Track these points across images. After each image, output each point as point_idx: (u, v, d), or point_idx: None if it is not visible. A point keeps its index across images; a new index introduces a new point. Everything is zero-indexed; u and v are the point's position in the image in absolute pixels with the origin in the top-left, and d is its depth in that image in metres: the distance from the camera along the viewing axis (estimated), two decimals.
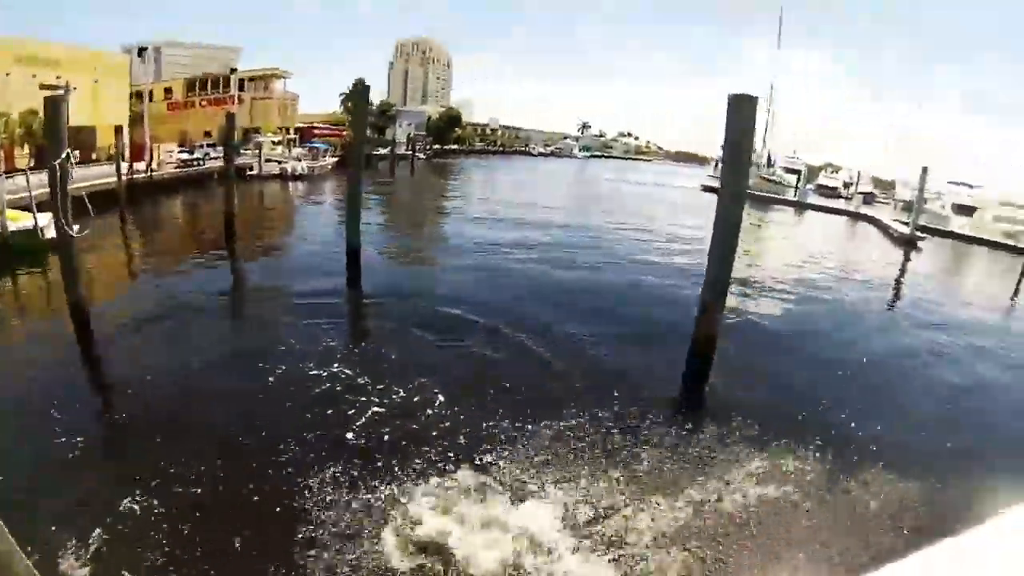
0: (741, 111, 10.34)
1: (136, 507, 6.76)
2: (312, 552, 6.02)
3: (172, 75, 79.94)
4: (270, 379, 10.16)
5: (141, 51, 68.99)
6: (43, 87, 41.94)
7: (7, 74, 42.98)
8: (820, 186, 69.77)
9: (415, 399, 9.28)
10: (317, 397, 9.54)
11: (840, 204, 50.81)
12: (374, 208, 35.52)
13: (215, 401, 9.68)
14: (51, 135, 11.94)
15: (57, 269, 14.86)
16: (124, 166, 35.73)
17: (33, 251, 17.43)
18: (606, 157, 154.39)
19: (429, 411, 8.96)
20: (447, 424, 8.59)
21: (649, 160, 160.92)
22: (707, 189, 57.66)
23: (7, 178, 25.07)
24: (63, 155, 11.57)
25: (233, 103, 65.44)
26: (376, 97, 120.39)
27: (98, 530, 6.29)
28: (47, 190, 16.51)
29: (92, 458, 7.93)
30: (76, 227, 19.89)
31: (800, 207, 49.49)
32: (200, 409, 9.38)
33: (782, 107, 73.27)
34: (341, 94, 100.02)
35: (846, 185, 69.54)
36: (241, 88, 72.14)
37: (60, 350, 11.74)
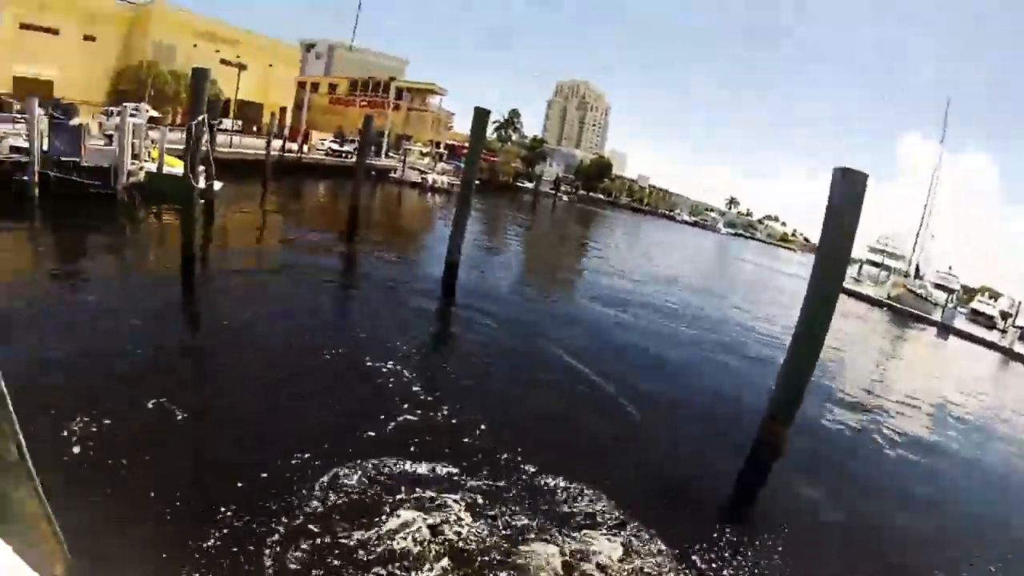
0: (845, 188, 8.59)
1: (153, 411, 7.05)
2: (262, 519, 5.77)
3: (340, 72, 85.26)
4: (327, 355, 9.87)
5: (310, 47, 73.98)
6: (223, 62, 46.71)
7: (194, 45, 47.48)
8: (973, 311, 59.40)
9: (454, 422, 8.62)
10: (364, 386, 9.09)
11: (993, 336, 42.87)
12: (505, 235, 35.56)
13: (270, 357, 9.70)
14: (193, 100, 12.99)
15: (197, 212, 16.43)
16: (279, 143, 38.52)
17: (182, 195, 18.69)
18: (749, 238, 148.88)
19: (465, 439, 8.19)
20: (474, 458, 7.72)
21: (792, 249, 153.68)
22: (847, 293, 49.49)
23: (173, 130, 27.58)
24: (200, 118, 12.67)
25: (389, 108, 68.39)
26: (530, 132, 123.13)
27: (108, 420, 6.58)
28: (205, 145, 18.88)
29: (137, 364, 8.30)
30: (219, 184, 21.76)
31: (944, 330, 42.46)
32: (252, 360, 9.48)
33: (942, 215, 63.31)
34: (495, 122, 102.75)
35: (1004, 316, 57.63)
36: (399, 97, 75.59)
37: (164, 278, 12.89)
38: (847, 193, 8.50)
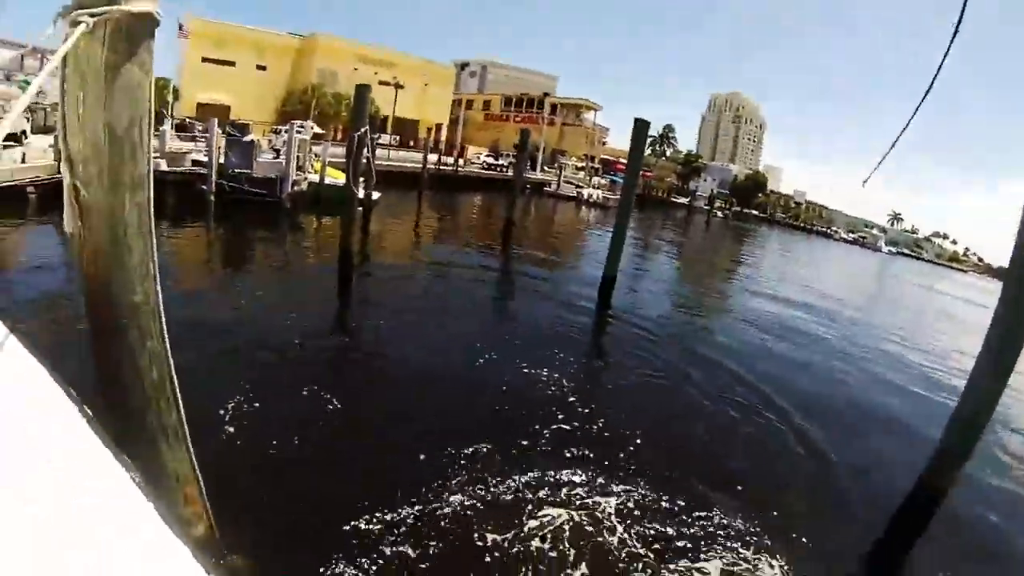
0: None
1: (307, 397, 7.26)
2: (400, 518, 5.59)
3: (493, 90, 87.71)
4: (481, 358, 9.65)
5: (463, 66, 76.87)
6: (381, 83, 49.39)
7: (354, 69, 50.61)
8: None
9: (606, 434, 7.72)
10: (518, 391, 8.67)
11: None
12: (659, 251, 34.28)
13: (421, 354, 9.65)
14: (355, 113, 14.03)
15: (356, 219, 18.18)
16: (435, 158, 40.22)
17: (342, 202, 19.78)
18: (915, 257, 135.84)
19: (620, 451, 7.12)
20: (629, 470, 6.63)
21: (964, 271, 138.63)
22: None
23: (334, 145, 29.21)
24: (361, 130, 13.52)
25: (543, 123, 69.13)
26: (684, 147, 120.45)
27: (260, 403, 6.84)
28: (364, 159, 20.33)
29: (293, 352, 8.78)
30: (377, 194, 22.75)
31: None
32: (403, 355, 9.56)
33: None
34: (649, 137, 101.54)
35: None
36: (553, 112, 76.27)
37: (322, 275, 13.94)
38: None
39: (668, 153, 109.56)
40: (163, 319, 2.84)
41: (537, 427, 7.44)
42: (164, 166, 20.58)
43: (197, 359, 7.24)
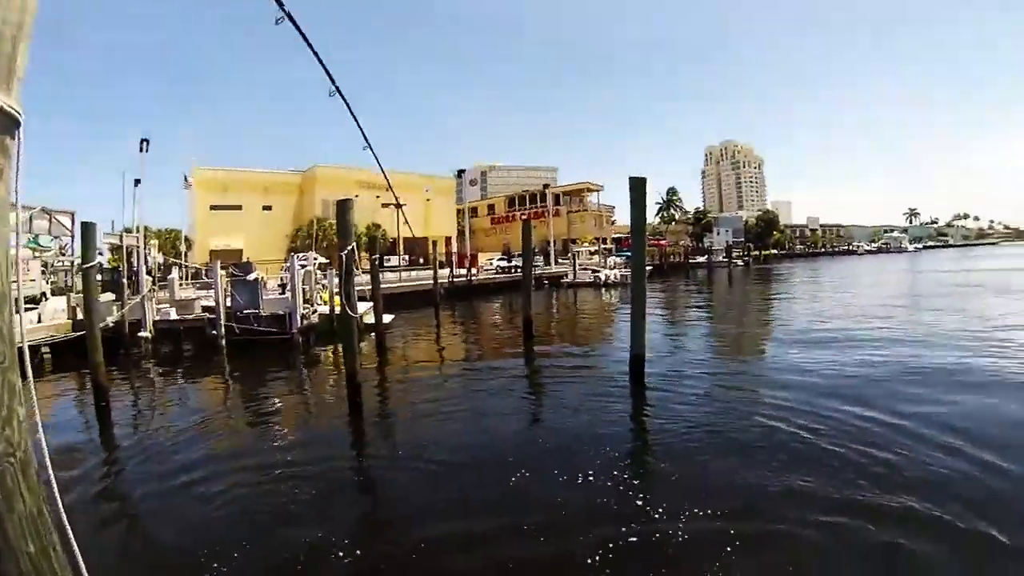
0: None
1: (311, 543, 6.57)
2: None
3: (495, 192, 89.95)
4: (515, 475, 8.03)
5: (460, 172, 79.44)
6: (384, 205, 51.03)
7: (356, 195, 52.17)
8: None
9: (685, 537, 6.39)
10: (559, 503, 7.29)
11: None
12: (685, 314, 33.59)
13: (446, 474, 8.72)
14: (340, 231, 13.22)
15: (368, 345, 19.79)
16: (446, 272, 41.14)
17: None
18: (942, 246, 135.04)
19: (687, 556, 6.17)
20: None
21: (995, 243, 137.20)
22: None
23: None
24: (349, 248, 12.69)
25: (550, 216, 70.07)
26: (690, 206, 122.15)
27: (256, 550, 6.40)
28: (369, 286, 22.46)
29: (302, 490, 8.16)
30: (389, 316, 22.67)
31: None
32: (426, 479, 8.45)
33: None
34: (656, 203, 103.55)
35: None
36: (557, 202, 77.52)
37: (338, 406, 13.55)
38: None
39: (677, 216, 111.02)
40: (42, 474, 2.06)
41: (586, 545, 6.44)
42: (174, 314, 21.85)
43: (216, 497, 7.62)
